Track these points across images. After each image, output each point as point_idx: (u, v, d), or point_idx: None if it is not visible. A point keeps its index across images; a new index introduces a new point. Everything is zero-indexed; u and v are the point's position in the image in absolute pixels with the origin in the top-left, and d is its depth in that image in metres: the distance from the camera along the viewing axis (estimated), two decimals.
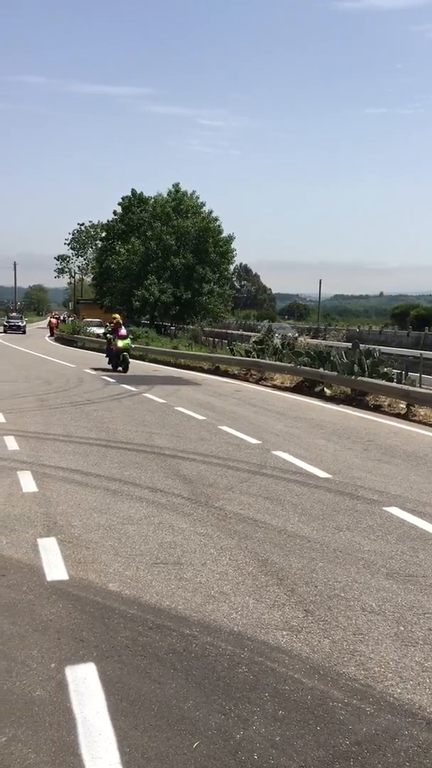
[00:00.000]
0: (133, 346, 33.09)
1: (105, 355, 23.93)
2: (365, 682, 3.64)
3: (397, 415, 13.95)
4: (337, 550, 5.70)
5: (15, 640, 4.03)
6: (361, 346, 19.00)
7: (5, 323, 61.59)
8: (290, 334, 37.99)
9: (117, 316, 24.19)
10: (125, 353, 22.32)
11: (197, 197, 50.50)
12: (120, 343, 22.05)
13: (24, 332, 58.19)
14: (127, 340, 22.62)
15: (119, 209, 52.99)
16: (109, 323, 23.72)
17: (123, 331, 22.38)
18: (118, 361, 22.46)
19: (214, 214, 49.57)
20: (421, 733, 3.21)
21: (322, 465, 8.87)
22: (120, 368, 22.33)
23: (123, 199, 52.61)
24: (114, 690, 3.50)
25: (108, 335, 23.42)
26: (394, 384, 15.50)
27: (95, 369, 22.88)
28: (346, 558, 5.51)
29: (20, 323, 60.99)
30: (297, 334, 39.41)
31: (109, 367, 22.98)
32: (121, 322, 23.08)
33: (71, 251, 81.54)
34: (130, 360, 23.14)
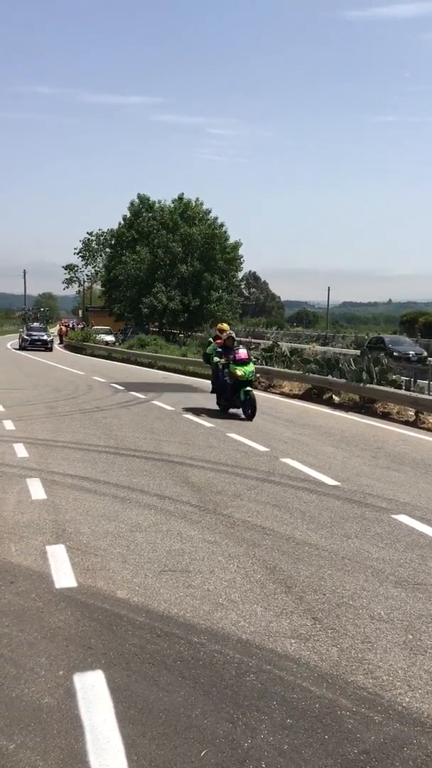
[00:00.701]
0: (140, 352, 33.07)
1: (210, 388, 15.40)
2: (374, 690, 3.63)
3: (406, 423, 13.92)
4: (345, 557, 5.68)
5: (23, 647, 4.04)
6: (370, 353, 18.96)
7: (25, 336, 44.54)
8: (413, 352, 31.16)
9: (226, 326, 15.70)
10: (248, 388, 14.04)
11: (201, 204, 50.73)
12: (239, 371, 13.84)
13: (50, 349, 42.55)
14: (251, 366, 14.37)
15: (128, 215, 53.21)
16: (213, 338, 15.38)
17: (242, 352, 14.31)
18: (234, 396, 14.17)
19: (219, 221, 49.79)
20: (430, 742, 3.19)
21: (330, 472, 8.86)
22: (239, 410, 14.10)
23: (131, 204, 52.83)
24: (122, 697, 3.50)
25: (214, 356, 14.65)
26: (402, 391, 15.48)
27: (186, 409, 15.11)
28: (354, 566, 5.49)
29: (44, 336, 43.76)
30: (424, 352, 32.41)
31: (207, 405, 15.40)
32: (234, 336, 15.06)
33: (80, 260, 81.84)
34: (141, 368, 21.21)
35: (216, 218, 49.89)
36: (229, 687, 3.63)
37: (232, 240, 50.09)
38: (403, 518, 6.83)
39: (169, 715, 3.37)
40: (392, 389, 15.41)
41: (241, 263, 52.15)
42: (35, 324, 52.80)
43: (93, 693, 3.54)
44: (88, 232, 76.15)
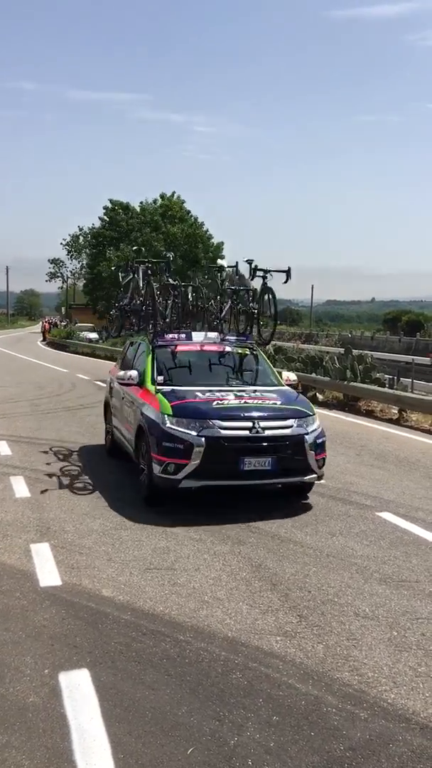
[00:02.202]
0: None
1: None
2: (359, 687, 3.64)
3: (390, 421, 13.98)
4: (330, 555, 5.70)
5: (8, 646, 4.01)
6: (354, 351, 19.04)
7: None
8: None
9: None
10: None
11: (183, 202, 50.72)
12: None
13: None
14: None
15: (104, 217, 53.06)
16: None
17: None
18: None
19: (200, 220, 49.89)
20: (415, 739, 3.21)
21: None
22: None
23: (105, 209, 52.74)
24: (108, 696, 3.49)
25: None
26: (386, 389, 15.54)
27: None
28: (339, 563, 5.51)
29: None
30: None
31: None
32: None
33: (66, 254, 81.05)
34: None
35: (197, 218, 49.97)
36: (216, 685, 3.63)
37: (215, 240, 50.18)
38: (387, 516, 6.87)
39: (155, 713, 3.37)
40: (376, 387, 15.47)
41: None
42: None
43: (79, 692, 3.53)
44: (80, 227, 75.29)
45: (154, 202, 50.68)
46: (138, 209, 50.92)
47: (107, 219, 52.03)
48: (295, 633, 4.26)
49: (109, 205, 52.06)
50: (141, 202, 51.52)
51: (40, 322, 71.75)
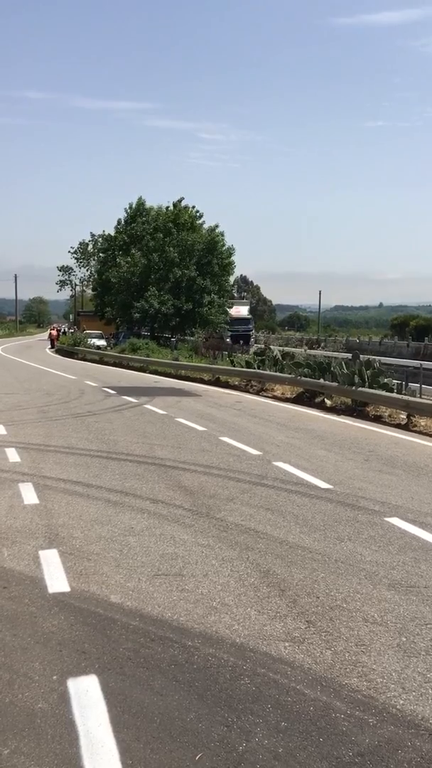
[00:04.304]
0: (132, 356, 33.02)
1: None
2: (368, 693, 3.63)
3: (398, 426, 13.95)
4: (338, 560, 5.69)
5: (17, 652, 4.02)
6: (361, 356, 19.02)
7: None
8: None
9: None
10: None
11: (197, 211, 50.72)
12: None
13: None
14: None
15: (123, 220, 53.11)
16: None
17: None
18: None
19: (219, 229, 49.80)
20: (424, 745, 3.20)
21: (323, 476, 8.87)
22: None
23: (129, 206, 52.72)
24: (116, 702, 3.49)
25: None
26: (394, 394, 15.50)
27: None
28: (347, 569, 5.50)
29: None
30: None
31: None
32: None
33: (75, 261, 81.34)
34: (132, 372, 20.37)
35: (216, 225, 49.90)
36: (224, 690, 3.63)
37: (227, 245, 50.15)
38: (395, 521, 6.85)
39: (163, 719, 3.37)
40: (384, 392, 15.45)
41: (234, 268, 52.30)
42: None
43: (87, 698, 3.53)
44: (91, 233, 75.58)
45: (167, 208, 50.75)
46: (155, 213, 51.00)
47: (128, 219, 52.03)
48: (304, 639, 4.25)
49: (135, 204, 52.14)
50: (155, 209, 51.56)
51: (48, 330, 71.73)
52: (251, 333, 56.87)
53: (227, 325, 51.85)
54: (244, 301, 65.16)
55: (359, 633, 4.34)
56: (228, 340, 47.90)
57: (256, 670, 3.84)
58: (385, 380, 16.82)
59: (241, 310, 56.82)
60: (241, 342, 45.56)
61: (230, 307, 53.60)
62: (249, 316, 58.19)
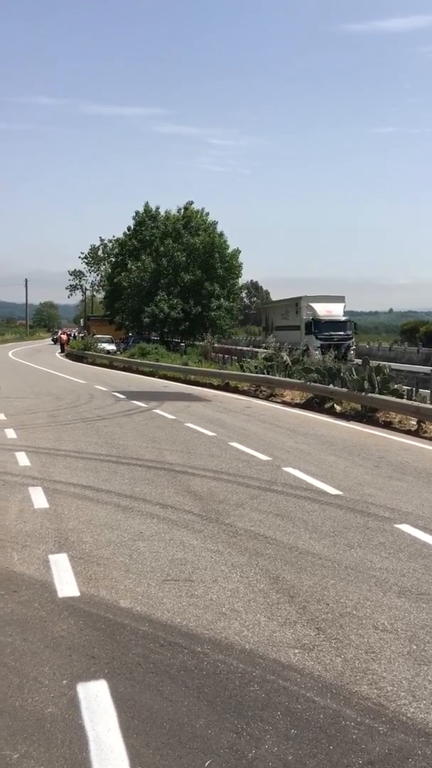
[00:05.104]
0: (141, 361, 33.04)
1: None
2: (378, 701, 3.62)
3: (408, 432, 13.91)
4: (348, 567, 5.67)
5: (27, 656, 4.03)
6: (371, 362, 18.96)
7: None
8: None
9: None
10: None
11: (207, 214, 50.76)
12: None
13: None
14: None
15: (132, 225, 53.28)
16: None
17: None
18: None
19: (219, 229, 49.76)
20: None
21: (332, 482, 8.85)
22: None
23: (136, 213, 52.91)
24: (126, 707, 3.49)
25: None
26: (404, 400, 15.45)
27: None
28: (357, 575, 5.48)
29: None
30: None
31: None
32: None
33: (86, 266, 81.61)
34: (142, 377, 20.24)
35: (216, 223, 49.81)
36: (233, 697, 3.62)
37: (231, 248, 50.05)
38: (405, 528, 6.82)
39: (173, 725, 3.36)
40: (394, 398, 15.40)
41: (241, 270, 52.07)
42: None
43: (97, 703, 3.53)
44: (100, 238, 75.84)
45: (178, 211, 50.85)
46: (164, 218, 51.13)
47: (136, 225, 52.19)
48: (314, 646, 4.24)
49: (143, 210, 52.29)
50: (164, 214, 51.70)
51: (58, 334, 71.31)
52: (351, 342, 38.49)
53: (313, 328, 37.43)
54: (337, 296, 41.00)
55: (369, 640, 4.33)
56: (314, 350, 33.00)
57: (265, 677, 3.84)
58: (395, 386, 16.76)
59: (333, 310, 39.25)
60: (336, 352, 27.82)
61: (315, 303, 38.99)
62: (345, 319, 39.48)
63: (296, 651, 4.16)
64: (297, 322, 40.21)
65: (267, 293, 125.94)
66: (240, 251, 50.25)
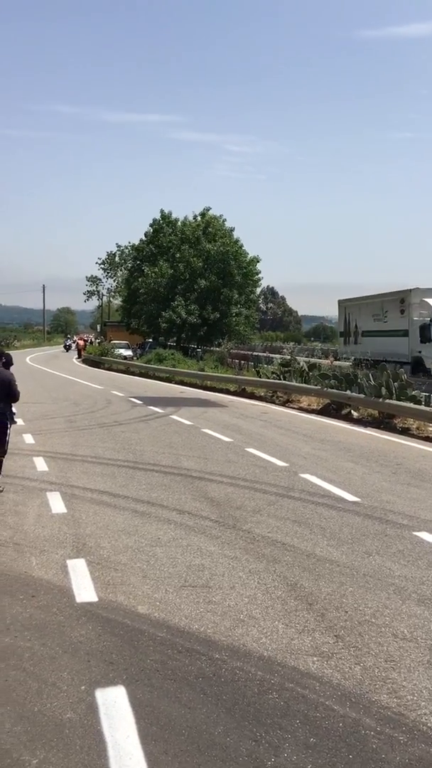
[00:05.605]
0: (158, 367, 33.08)
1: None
2: (398, 710, 3.58)
3: (426, 438, 13.81)
4: (366, 575, 5.63)
5: (45, 661, 4.04)
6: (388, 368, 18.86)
7: None
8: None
9: None
10: None
11: (224, 221, 50.82)
12: None
13: None
14: None
15: (149, 231, 53.47)
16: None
17: None
18: None
19: (235, 237, 49.76)
20: None
21: (350, 488, 8.80)
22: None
23: (153, 221, 53.12)
24: (144, 714, 3.48)
25: None
26: (422, 407, 15.35)
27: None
28: (376, 583, 5.44)
29: None
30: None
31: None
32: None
33: (102, 272, 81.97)
34: (158, 382, 19.89)
35: (232, 229, 49.82)
36: (252, 704, 3.61)
37: (250, 255, 49.99)
38: (424, 535, 6.76)
39: (191, 732, 3.35)
40: (412, 405, 15.31)
41: (260, 279, 52.02)
42: None
43: (115, 709, 3.53)
44: (117, 244, 76.16)
45: (195, 218, 50.95)
46: (182, 224, 51.26)
47: (152, 232, 52.38)
48: (332, 654, 4.21)
49: (159, 217, 52.48)
50: (181, 220, 51.81)
51: (75, 340, 71.09)
52: None
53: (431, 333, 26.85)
54: None
55: (389, 649, 4.29)
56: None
57: (284, 685, 3.81)
58: (413, 392, 16.67)
59: None
60: None
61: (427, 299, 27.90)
62: None
63: (315, 659, 4.13)
64: (401, 326, 28.87)
65: (283, 299, 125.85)
66: (259, 260, 50.21)
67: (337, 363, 31.01)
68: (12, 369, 8.56)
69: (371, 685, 3.84)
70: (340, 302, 36.14)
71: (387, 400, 15.63)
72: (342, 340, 36.57)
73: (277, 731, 3.37)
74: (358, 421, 16.26)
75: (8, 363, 8.46)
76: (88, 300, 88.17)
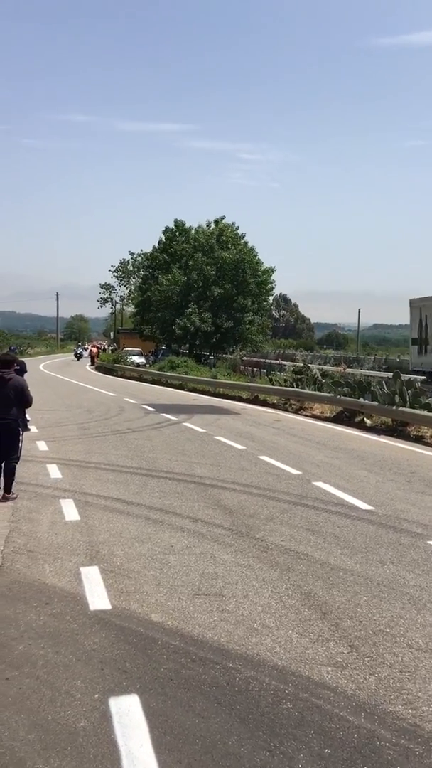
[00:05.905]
0: (171, 374, 33.13)
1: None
2: (413, 721, 3.55)
3: None
4: (381, 584, 5.60)
5: (59, 669, 4.04)
6: (402, 376, 18.79)
7: None
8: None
9: None
10: None
11: (237, 228, 50.90)
12: None
13: None
14: None
15: (162, 239, 53.66)
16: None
17: None
18: None
19: (250, 245, 49.80)
20: None
21: (364, 496, 8.76)
22: None
23: (166, 229, 53.32)
24: (158, 723, 3.47)
25: None
26: None
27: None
28: (390, 592, 5.41)
29: None
30: None
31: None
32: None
33: (115, 279, 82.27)
34: (171, 389, 19.72)
35: (246, 241, 49.91)
36: (266, 714, 3.59)
37: (266, 265, 50.08)
38: None
39: (205, 741, 3.34)
40: (426, 412, 15.22)
41: (273, 288, 52.08)
42: None
43: (129, 717, 3.52)
44: (130, 252, 76.46)
45: (208, 226, 51.08)
46: (195, 232, 51.40)
47: (165, 240, 52.58)
48: (347, 664, 4.18)
49: (173, 226, 52.67)
50: (195, 229, 51.92)
51: (88, 347, 70.58)
52: None
53: None
54: None
55: (403, 659, 4.26)
56: None
57: (298, 695, 3.79)
58: (427, 400, 16.58)
59: None
60: None
61: None
62: None
63: (329, 669, 4.10)
64: None
65: (296, 306, 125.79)
66: (275, 270, 50.27)
67: (350, 370, 30.82)
68: (26, 376, 8.60)
69: (386, 695, 3.81)
70: (412, 302, 29.18)
71: (400, 408, 15.56)
72: (415, 350, 28.94)
73: (291, 742, 3.35)
74: (371, 429, 16.19)
75: (22, 370, 8.51)
76: (101, 307, 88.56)
